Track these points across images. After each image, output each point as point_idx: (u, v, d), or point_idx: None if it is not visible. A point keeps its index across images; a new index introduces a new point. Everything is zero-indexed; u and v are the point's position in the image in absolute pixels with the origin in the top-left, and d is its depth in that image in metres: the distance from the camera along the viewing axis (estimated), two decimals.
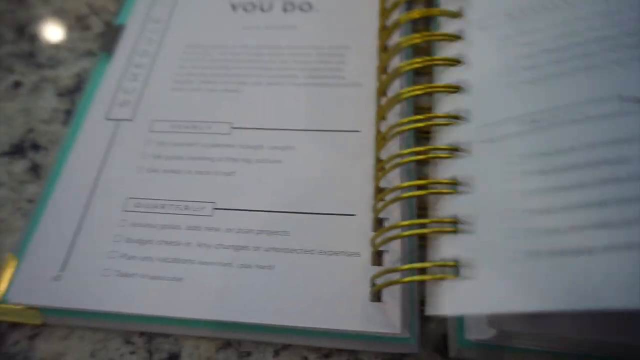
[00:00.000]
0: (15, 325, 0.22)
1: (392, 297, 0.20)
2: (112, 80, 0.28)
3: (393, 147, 0.23)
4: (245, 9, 0.30)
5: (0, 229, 0.25)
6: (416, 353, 0.20)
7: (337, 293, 0.20)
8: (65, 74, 0.30)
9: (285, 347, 0.21)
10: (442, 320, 0.21)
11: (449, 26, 0.22)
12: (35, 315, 0.22)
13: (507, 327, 0.17)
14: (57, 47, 0.32)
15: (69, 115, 0.29)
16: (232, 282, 0.21)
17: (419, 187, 0.19)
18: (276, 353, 0.21)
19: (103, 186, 0.24)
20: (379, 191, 0.22)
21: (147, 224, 0.23)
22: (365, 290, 0.20)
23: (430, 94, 0.21)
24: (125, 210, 0.23)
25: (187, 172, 0.24)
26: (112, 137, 0.26)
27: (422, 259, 0.20)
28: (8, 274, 0.23)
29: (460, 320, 0.19)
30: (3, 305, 0.22)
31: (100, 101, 0.27)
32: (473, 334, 0.19)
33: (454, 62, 0.21)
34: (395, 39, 0.26)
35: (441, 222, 0.18)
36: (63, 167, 0.25)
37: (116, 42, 0.29)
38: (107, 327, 0.22)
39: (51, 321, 0.22)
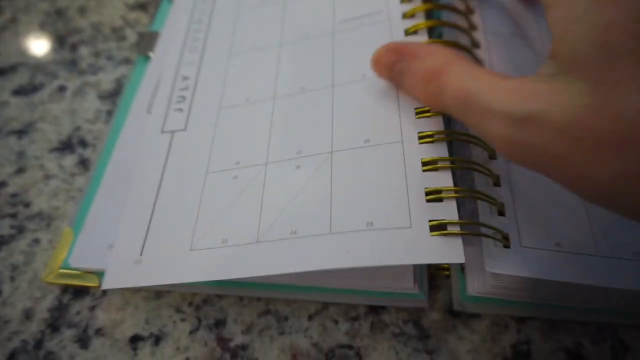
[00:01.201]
0: (76, 296, 0.25)
1: None
2: (152, 78, 0.31)
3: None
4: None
5: (56, 215, 0.28)
6: (426, 308, 0.24)
7: None
8: (105, 79, 0.33)
9: (318, 312, 0.24)
10: (446, 281, 0.24)
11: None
12: (93, 279, 0.25)
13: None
14: (96, 55, 0.35)
15: (110, 115, 0.32)
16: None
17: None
18: (310, 318, 0.24)
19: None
20: None
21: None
22: None
23: None
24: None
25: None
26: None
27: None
28: (67, 244, 0.26)
29: (462, 279, 0.23)
30: (65, 270, 0.25)
31: (141, 97, 0.30)
32: (472, 289, 0.22)
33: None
34: None
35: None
36: (110, 157, 0.28)
37: (153, 45, 0.33)
38: (159, 289, 0.25)
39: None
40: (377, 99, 0.25)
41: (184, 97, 0.30)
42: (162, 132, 0.28)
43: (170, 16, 0.34)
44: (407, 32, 0.27)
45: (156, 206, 0.26)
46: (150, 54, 0.32)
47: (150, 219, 0.25)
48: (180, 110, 0.29)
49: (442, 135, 0.22)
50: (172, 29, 0.33)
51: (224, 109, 0.29)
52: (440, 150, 0.22)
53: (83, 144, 0.31)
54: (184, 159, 0.27)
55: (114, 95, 0.33)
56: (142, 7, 0.37)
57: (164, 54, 0.32)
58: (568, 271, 0.19)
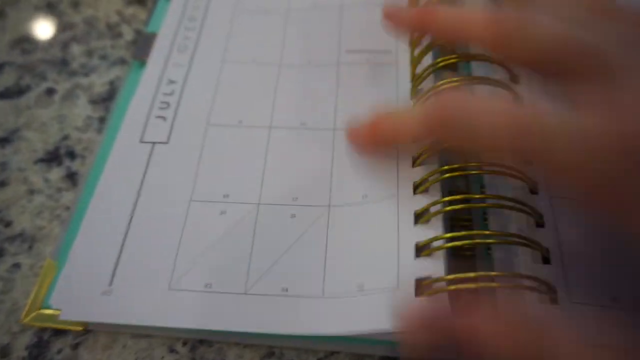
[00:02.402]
0: (58, 333, 0.22)
1: None
2: (147, 88, 0.28)
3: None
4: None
5: (39, 236, 0.25)
6: None
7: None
8: (99, 82, 0.31)
9: (327, 355, 0.21)
10: None
11: None
12: (77, 322, 0.22)
13: None
14: (89, 54, 0.32)
15: (102, 123, 0.29)
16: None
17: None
18: None
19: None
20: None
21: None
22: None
23: None
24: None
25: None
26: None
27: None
28: (48, 279, 0.23)
29: None
30: (45, 312, 0.22)
31: (136, 108, 0.27)
32: None
33: None
34: None
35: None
36: (101, 175, 0.25)
37: (149, 49, 0.30)
38: (150, 334, 0.22)
39: (94, 327, 0.22)
40: None
41: (168, 104, 0.27)
42: (141, 141, 0.26)
43: (168, 16, 0.31)
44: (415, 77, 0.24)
45: (130, 229, 0.23)
46: (146, 59, 0.29)
47: (123, 243, 0.22)
48: (164, 118, 0.26)
49: (437, 176, 0.20)
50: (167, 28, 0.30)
51: (213, 126, 0.26)
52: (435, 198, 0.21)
53: (71, 155, 0.28)
54: (165, 178, 0.24)
55: (106, 100, 0.30)
56: (140, 1, 0.34)
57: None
58: None
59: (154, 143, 0.26)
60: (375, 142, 0.22)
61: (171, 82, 0.28)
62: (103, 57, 0.32)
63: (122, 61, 0.32)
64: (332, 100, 0.26)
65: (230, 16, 0.30)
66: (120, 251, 0.22)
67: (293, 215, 0.23)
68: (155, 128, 0.26)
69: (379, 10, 0.28)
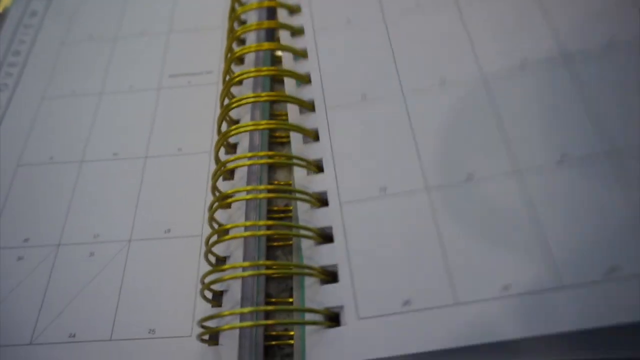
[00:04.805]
0: None
1: (230, 340, 0.19)
2: None
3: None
4: None
5: None
6: None
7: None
8: None
9: None
10: None
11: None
12: None
13: None
14: None
15: None
16: None
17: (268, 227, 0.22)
18: None
19: None
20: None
21: None
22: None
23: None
24: None
25: None
26: None
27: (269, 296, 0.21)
28: None
29: None
30: None
31: None
32: None
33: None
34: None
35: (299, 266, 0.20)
36: None
37: None
38: None
39: None
40: (187, 179, 0.24)
41: None
42: None
43: None
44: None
45: None
46: None
47: None
48: None
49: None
50: None
51: (23, 166, 0.25)
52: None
53: None
54: None
55: None
56: None
57: None
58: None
59: None
60: None
61: None
62: None
63: None
64: (147, 126, 0.26)
65: (57, 48, 0.30)
66: None
67: (92, 254, 0.22)
68: None
69: (203, 35, 0.29)
